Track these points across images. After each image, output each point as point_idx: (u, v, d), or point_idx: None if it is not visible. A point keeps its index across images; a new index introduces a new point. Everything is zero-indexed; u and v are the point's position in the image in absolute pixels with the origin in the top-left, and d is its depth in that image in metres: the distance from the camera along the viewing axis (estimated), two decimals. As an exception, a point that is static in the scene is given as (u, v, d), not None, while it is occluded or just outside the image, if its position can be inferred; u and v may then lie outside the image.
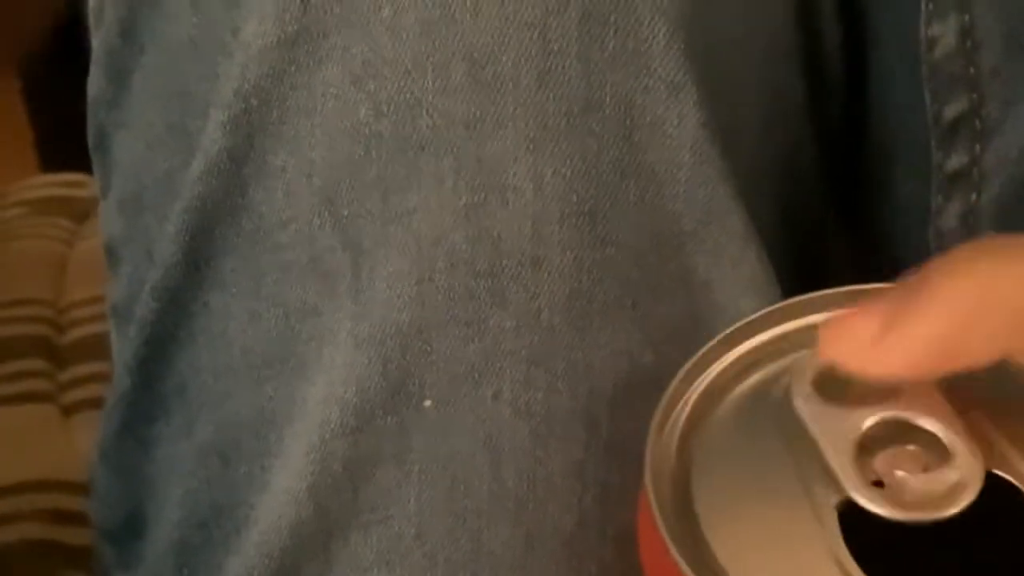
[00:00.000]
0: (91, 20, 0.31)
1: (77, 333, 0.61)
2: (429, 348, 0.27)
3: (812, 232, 0.33)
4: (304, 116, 0.27)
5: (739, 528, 0.19)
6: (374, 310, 0.27)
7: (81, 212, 0.64)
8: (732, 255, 0.28)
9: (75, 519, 0.53)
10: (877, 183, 0.33)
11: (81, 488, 0.53)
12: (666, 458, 0.20)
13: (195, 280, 0.29)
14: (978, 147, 0.30)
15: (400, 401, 0.27)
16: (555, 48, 0.26)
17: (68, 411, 0.58)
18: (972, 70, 0.29)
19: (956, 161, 0.30)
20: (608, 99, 0.27)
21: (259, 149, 0.27)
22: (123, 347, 0.31)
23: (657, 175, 0.27)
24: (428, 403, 0.27)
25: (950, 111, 0.30)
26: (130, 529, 0.33)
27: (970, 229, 0.31)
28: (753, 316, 0.22)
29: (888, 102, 0.32)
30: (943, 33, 0.29)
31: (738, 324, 0.22)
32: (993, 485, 0.19)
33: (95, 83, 0.31)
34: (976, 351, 0.19)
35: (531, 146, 0.26)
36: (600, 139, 0.27)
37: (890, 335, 0.19)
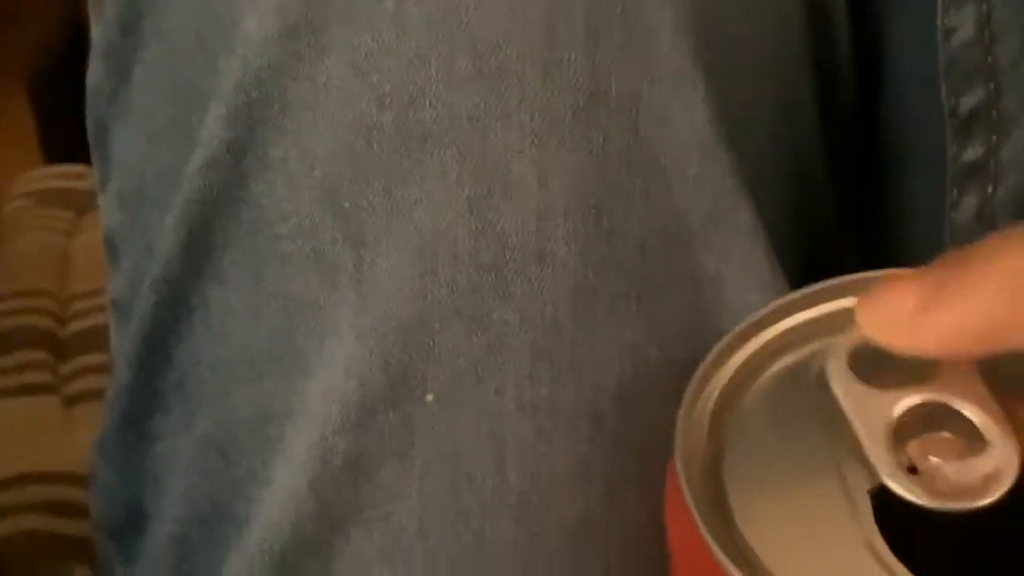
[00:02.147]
0: (91, 12, 0.31)
1: (79, 325, 0.61)
2: (432, 342, 0.27)
3: (821, 230, 0.33)
4: (306, 108, 0.26)
5: (770, 511, 0.19)
6: (376, 303, 0.27)
7: (83, 204, 0.64)
8: (741, 252, 0.27)
9: (77, 511, 0.53)
10: (889, 180, 0.32)
11: (83, 480, 0.53)
12: (696, 439, 0.20)
13: (194, 273, 0.29)
14: (995, 139, 0.30)
15: (402, 396, 0.27)
16: (561, 40, 0.26)
17: (70, 402, 0.58)
18: (990, 60, 0.29)
19: (972, 153, 0.30)
20: (614, 92, 0.26)
21: (260, 141, 0.27)
22: (123, 341, 0.31)
23: (664, 170, 0.27)
24: (430, 398, 0.27)
25: (966, 103, 0.29)
26: (130, 524, 0.32)
27: (986, 223, 0.30)
28: (785, 299, 0.22)
29: (901, 95, 0.32)
30: (961, 23, 0.29)
31: (769, 307, 0.21)
32: None
33: (95, 75, 0.31)
34: (1017, 333, 0.18)
35: (536, 139, 0.26)
36: (606, 132, 0.26)
37: (929, 311, 0.19)
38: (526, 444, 0.27)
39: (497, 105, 0.26)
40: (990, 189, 0.30)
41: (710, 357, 0.21)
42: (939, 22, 0.29)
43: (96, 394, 0.58)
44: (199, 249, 0.28)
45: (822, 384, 0.20)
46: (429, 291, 0.26)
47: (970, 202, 0.30)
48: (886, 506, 0.19)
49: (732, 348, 0.21)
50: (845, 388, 0.19)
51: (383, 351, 0.27)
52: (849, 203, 0.33)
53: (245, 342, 0.28)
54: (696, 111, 0.27)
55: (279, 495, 0.28)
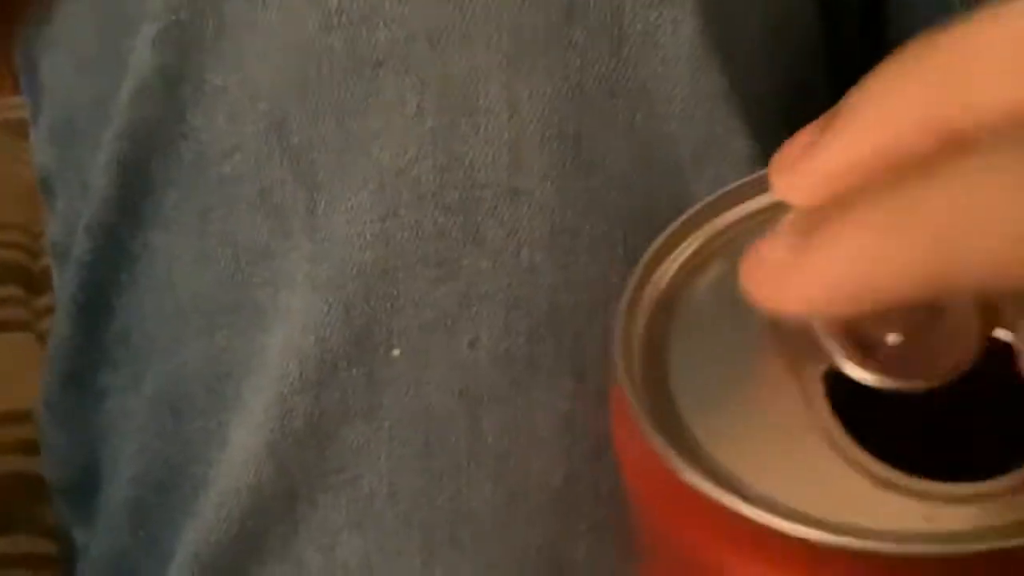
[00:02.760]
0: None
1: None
2: (396, 292, 0.24)
3: None
4: (244, 29, 0.24)
5: (719, 399, 0.18)
6: (333, 250, 0.24)
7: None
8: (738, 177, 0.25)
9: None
10: None
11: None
12: (637, 338, 0.19)
13: (133, 216, 0.26)
14: None
15: (366, 351, 0.25)
16: None
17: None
18: None
19: None
20: (593, 5, 0.24)
21: (195, 67, 0.24)
22: (63, 290, 0.29)
23: (649, 93, 0.24)
24: (397, 352, 0.25)
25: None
26: (84, 484, 0.31)
27: None
28: (728, 188, 0.20)
29: (909, 16, 0.29)
30: None
31: (711, 197, 0.20)
32: (992, 349, 0.18)
33: (22, 3, 0.28)
34: (893, 284, 0.16)
35: (505, 62, 0.23)
36: (584, 53, 0.24)
37: (799, 266, 0.16)
38: (503, 399, 0.25)
39: (460, 23, 0.23)
40: None
41: (651, 251, 0.20)
42: None
43: (72, 330, 0.56)
44: (135, 189, 0.26)
45: None
46: (391, 236, 0.24)
47: None
48: (840, 388, 0.18)
49: (674, 242, 0.20)
50: None
51: (343, 302, 0.24)
52: None
53: (194, 292, 0.26)
54: (683, 24, 0.24)
55: (237, 457, 0.26)
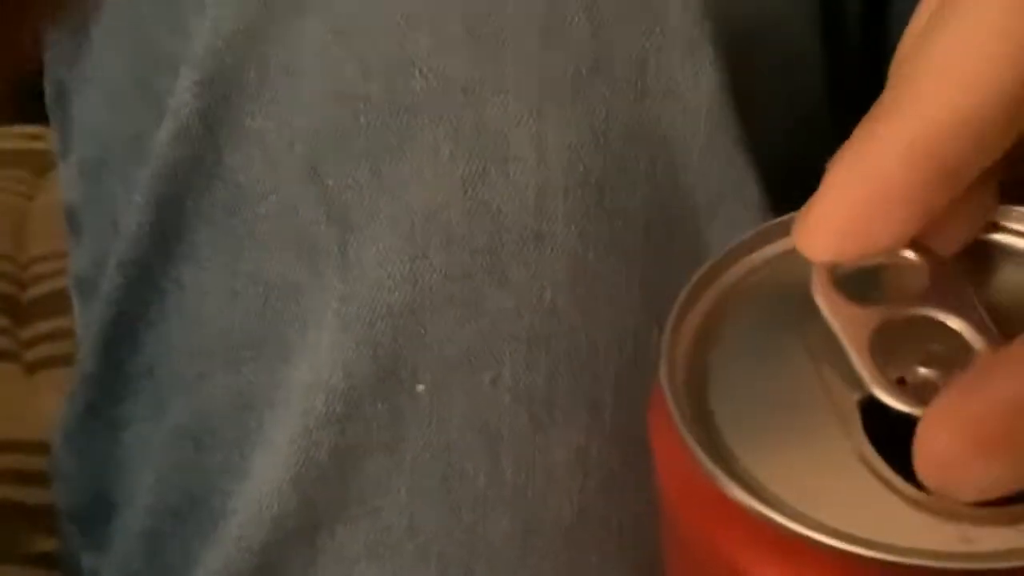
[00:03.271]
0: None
1: (39, 289, 0.59)
2: (423, 330, 0.25)
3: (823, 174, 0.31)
4: (284, 76, 0.25)
5: (758, 429, 0.19)
6: (363, 289, 0.25)
7: (42, 165, 0.62)
8: (750, 226, 0.26)
9: (37, 479, 0.52)
10: None
11: (43, 448, 0.52)
12: (681, 356, 0.20)
13: (166, 254, 0.27)
14: None
15: (391, 386, 0.25)
16: (560, 6, 0.24)
17: (31, 369, 0.56)
18: None
19: None
20: (618, 59, 0.25)
21: (235, 111, 0.25)
22: (88, 324, 0.29)
23: (669, 143, 0.25)
24: (421, 388, 0.25)
25: None
26: (97, 512, 0.31)
27: None
28: (770, 223, 0.21)
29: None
30: None
31: (755, 231, 0.21)
32: None
33: (53, 37, 0.28)
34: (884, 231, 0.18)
35: (535, 111, 0.24)
36: (609, 103, 0.25)
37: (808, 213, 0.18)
38: (522, 436, 0.26)
39: (493, 74, 0.24)
40: None
41: (695, 278, 0.21)
42: None
43: (57, 360, 0.56)
44: (170, 228, 0.27)
45: (808, 301, 0.20)
46: (420, 276, 0.25)
47: None
48: (875, 418, 0.19)
49: (718, 270, 0.21)
50: (830, 302, 0.19)
51: (371, 340, 0.25)
52: None
53: (222, 327, 0.27)
54: (704, 78, 0.25)
55: (260, 489, 0.26)
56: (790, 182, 0.29)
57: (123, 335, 0.28)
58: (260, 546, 0.27)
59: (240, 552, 0.27)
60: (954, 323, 0.19)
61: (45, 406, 0.55)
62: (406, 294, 0.25)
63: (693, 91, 0.25)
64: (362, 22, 0.24)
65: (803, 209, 0.19)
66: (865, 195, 0.18)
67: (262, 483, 0.27)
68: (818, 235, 0.19)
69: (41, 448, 0.52)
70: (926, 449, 0.17)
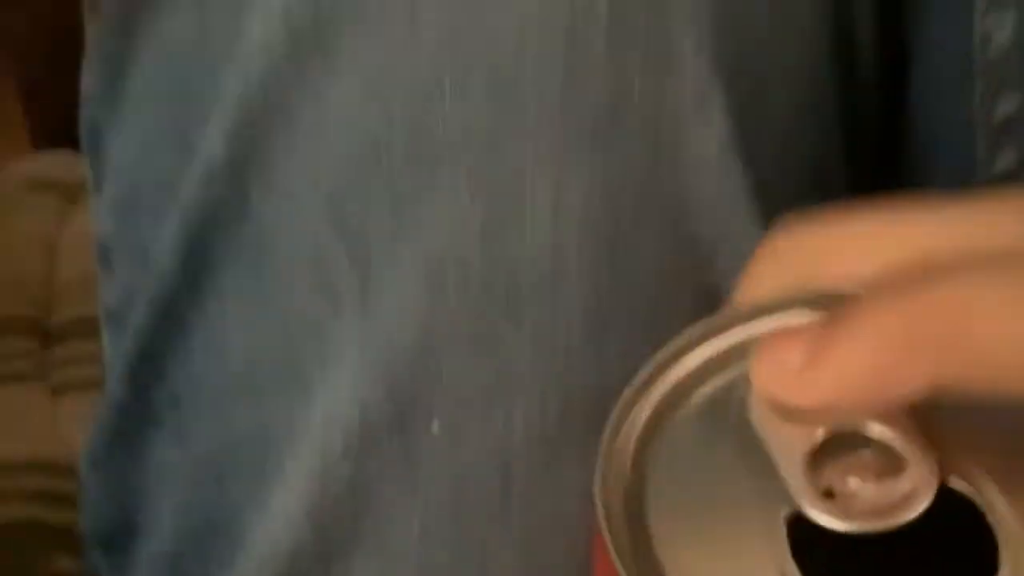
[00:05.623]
0: (86, 12, 0.30)
1: (66, 313, 0.60)
2: (439, 369, 0.26)
3: None
4: (312, 123, 0.25)
5: (690, 542, 0.19)
6: (381, 329, 0.26)
7: (72, 192, 0.63)
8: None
9: (61, 500, 0.53)
10: (910, 178, 0.32)
11: (67, 469, 0.53)
12: (619, 468, 0.20)
13: (193, 290, 0.28)
14: None
15: (407, 423, 0.26)
16: (581, 56, 0.25)
17: (56, 391, 0.57)
18: None
19: (1004, 161, 0.29)
20: (634, 111, 0.25)
21: (263, 155, 0.26)
22: (116, 355, 0.30)
23: (679, 193, 0.26)
24: (436, 426, 0.26)
25: (1002, 110, 0.28)
26: (120, 537, 0.32)
27: None
28: (707, 323, 0.21)
29: (927, 102, 0.31)
30: (999, 28, 0.28)
31: (692, 332, 0.21)
32: (947, 496, 0.19)
33: (89, 78, 0.29)
34: (904, 383, 0.18)
35: (553, 161, 0.25)
36: (623, 155, 0.25)
37: (816, 365, 0.18)
38: (533, 476, 0.26)
39: (513, 124, 0.25)
40: None
41: (634, 385, 0.21)
42: (976, 27, 0.28)
43: (83, 383, 0.57)
44: (198, 266, 0.27)
45: (743, 411, 0.20)
46: (437, 317, 0.26)
47: None
48: (806, 533, 0.19)
49: (655, 376, 0.21)
50: (762, 416, 0.20)
51: (389, 378, 0.26)
52: (867, 198, 0.32)
53: (245, 362, 0.28)
54: (715, 127, 0.26)
55: (277, 522, 0.27)
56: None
57: (150, 366, 0.29)
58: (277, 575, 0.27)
59: None
60: (884, 434, 0.19)
61: (69, 428, 0.56)
62: (423, 334, 0.26)
63: (703, 139, 0.26)
64: (388, 76, 0.25)
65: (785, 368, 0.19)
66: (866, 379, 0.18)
67: (279, 514, 0.27)
68: (804, 397, 0.19)
69: (64, 469, 0.53)
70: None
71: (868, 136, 0.32)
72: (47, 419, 0.57)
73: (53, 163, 0.66)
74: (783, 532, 0.19)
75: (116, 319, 0.31)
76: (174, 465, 0.30)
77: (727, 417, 0.20)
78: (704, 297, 0.27)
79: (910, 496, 0.19)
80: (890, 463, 0.19)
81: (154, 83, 0.28)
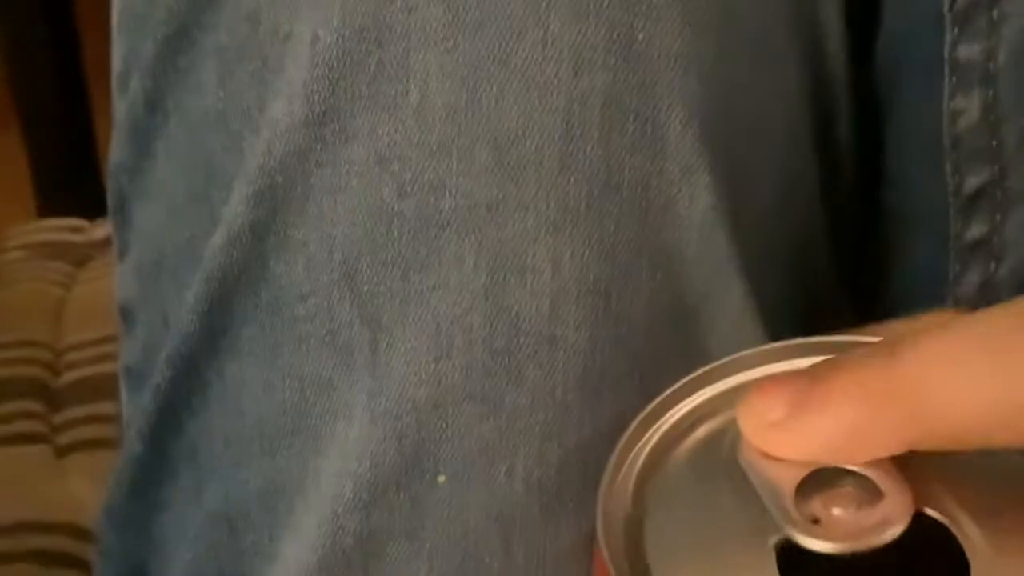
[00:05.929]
0: (115, 86, 0.31)
1: (72, 376, 0.61)
2: (445, 424, 0.27)
3: (820, 287, 0.33)
4: (328, 193, 0.27)
5: (688, 571, 0.20)
6: (391, 386, 0.27)
7: (79, 257, 0.64)
8: (730, 326, 0.28)
9: (66, 561, 0.53)
10: (891, 253, 0.33)
11: (73, 530, 0.53)
12: (620, 508, 0.22)
13: (211, 349, 0.29)
14: (999, 217, 0.30)
15: (414, 476, 0.27)
16: (577, 133, 0.26)
17: (62, 452, 0.58)
18: (995, 143, 0.30)
19: (976, 231, 0.30)
20: (626, 182, 0.27)
21: (281, 223, 0.27)
22: (135, 412, 0.31)
23: (667, 253, 0.28)
24: (442, 479, 0.27)
25: (971, 183, 0.30)
26: None
27: (989, 299, 0.31)
28: (704, 370, 0.23)
29: (903, 173, 0.32)
30: (967, 107, 0.29)
31: (689, 377, 0.23)
32: (923, 523, 0.21)
33: (118, 150, 0.31)
34: (877, 444, 0.20)
35: (551, 228, 0.27)
36: (617, 221, 0.27)
37: (793, 421, 0.21)
38: (533, 525, 0.28)
39: (515, 195, 0.26)
40: (993, 266, 0.30)
41: (633, 425, 0.23)
42: (945, 106, 0.30)
43: (88, 444, 0.58)
44: (217, 325, 0.29)
45: (734, 452, 0.22)
46: (443, 375, 0.27)
47: (973, 278, 0.31)
48: (794, 559, 0.20)
49: (653, 417, 0.23)
50: (751, 457, 0.21)
51: (397, 432, 0.27)
52: (853, 275, 0.34)
53: (259, 417, 0.29)
54: (699, 199, 0.28)
55: (288, 571, 0.28)
56: (784, 284, 0.31)
57: (169, 422, 0.30)
58: None
59: None
60: (863, 469, 0.21)
61: (75, 489, 0.57)
62: (430, 391, 0.27)
63: (688, 209, 0.27)
64: (400, 149, 0.26)
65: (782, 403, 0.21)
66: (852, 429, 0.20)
67: (291, 565, 0.28)
68: (783, 451, 0.21)
69: (68, 529, 0.54)
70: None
71: (847, 208, 0.33)
72: (52, 480, 0.57)
73: (60, 228, 0.67)
74: (772, 558, 0.20)
75: (135, 376, 0.32)
76: (188, 518, 0.31)
77: (719, 457, 0.22)
78: (690, 350, 0.28)
79: (887, 522, 0.20)
80: (869, 494, 0.21)
81: (179, 154, 0.30)
